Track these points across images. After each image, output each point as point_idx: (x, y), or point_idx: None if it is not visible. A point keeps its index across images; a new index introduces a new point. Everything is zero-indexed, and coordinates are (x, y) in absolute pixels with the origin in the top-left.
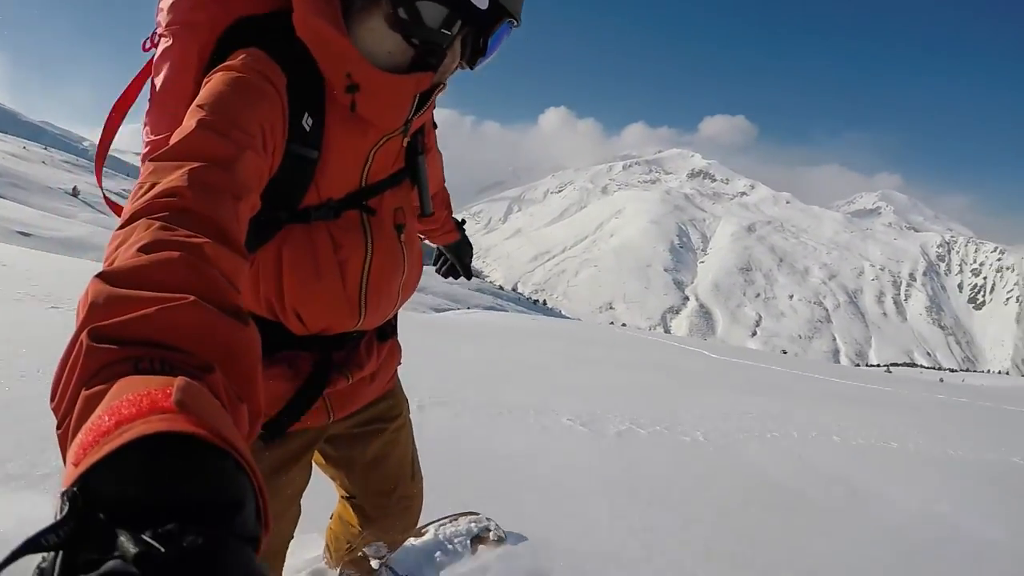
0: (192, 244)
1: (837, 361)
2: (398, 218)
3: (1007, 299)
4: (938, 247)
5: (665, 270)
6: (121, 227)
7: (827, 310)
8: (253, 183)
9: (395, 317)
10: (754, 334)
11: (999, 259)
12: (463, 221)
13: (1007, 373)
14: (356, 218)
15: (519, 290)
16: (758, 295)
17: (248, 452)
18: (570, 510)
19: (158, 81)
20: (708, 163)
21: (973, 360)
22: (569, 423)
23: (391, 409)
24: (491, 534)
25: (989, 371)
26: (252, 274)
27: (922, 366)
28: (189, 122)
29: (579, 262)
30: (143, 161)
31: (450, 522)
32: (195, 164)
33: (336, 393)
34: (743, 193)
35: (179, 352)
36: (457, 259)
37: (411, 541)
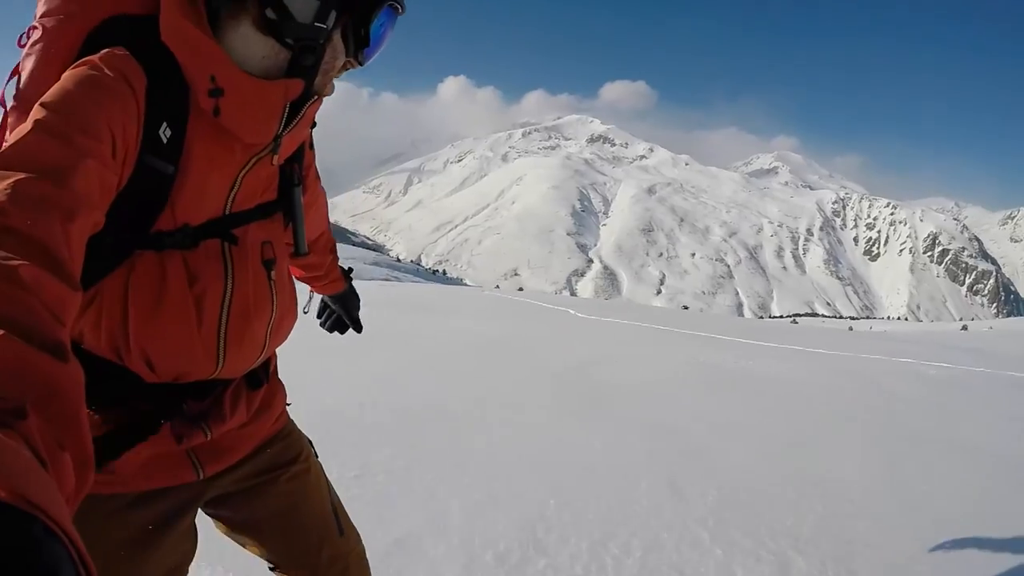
0: (7, 268)
1: (741, 314)
2: (267, 253)
3: (900, 250)
4: (833, 203)
5: (568, 234)
6: None
7: (729, 266)
8: (94, 197)
9: (272, 360)
10: (659, 292)
11: (892, 213)
12: (350, 270)
13: (905, 319)
14: (216, 248)
15: (422, 262)
16: (661, 255)
17: (63, 510)
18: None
19: (22, 77)
20: (607, 128)
21: (871, 308)
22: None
23: (285, 452)
24: None
25: (888, 317)
26: (95, 308)
27: (824, 315)
28: (27, 123)
29: (482, 231)
30: None
31: None
32: (23, 175)
33: (202, 447)
34: (643, 156)
35: None
36: (344, 311)
37: None
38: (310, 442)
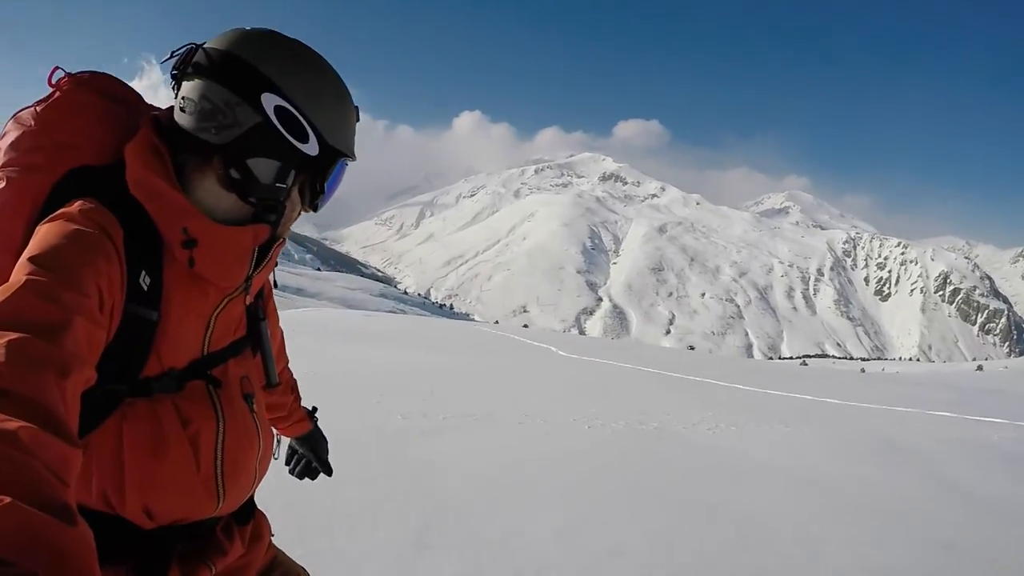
0: (8, 432)
1: (750, 355)
2: (246, 387)
3: (911, 290)
4: (844, 243)
5: (578, 272)
6: None
7: (739, 306)
8: (85, 354)
9: (252, 495)
10: (668, 332)
11: (903, 253)
12: (315, 409)
13: (917, 359)
14: (202, 388)
15: (431, 296)
16: (671, 294)
17: None
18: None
19: None
20: (619, 166)
21: (882, 348)
22: None
23: None
24: None
25: (900, 358)
26: (84, 464)
27: (834, 356)
28: (16, 278)
29: (492, 266)
30: None
31: None
32: (15, 335)
33: None
34: (654, 195)
35: (1, 565)
36: (313, 454)
37: None
38: (304, 570)
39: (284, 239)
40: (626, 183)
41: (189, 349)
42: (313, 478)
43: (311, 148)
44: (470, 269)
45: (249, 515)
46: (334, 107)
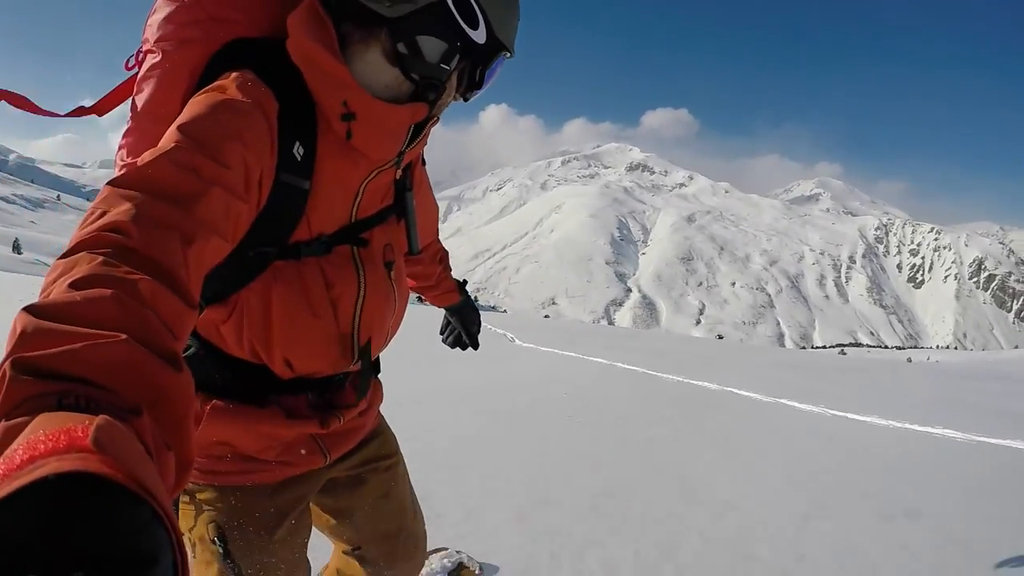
0: (129, 282)
1: (782, 344)
2: (387, 255)
3: (945, 277)
4: (876, 230)
5: (606, 263)
6: (63, 256)
7: (770, 295)
8: (218, 224)
9: (378, 356)
10: (698, 322)
11: (936, 239)
12: (464, 282)
13: (954, 347)
14: (348, 254)
15: None
16: (700, 284)
17: (168, 503)
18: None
19: (140, 100)
20: (646, 156)
21: (916, 337)
22: None
23: (382, 447)
24: (466, 570)
25: (937, 347)
26: (235, 318)
27: (868, 345)
28: (162, 144)
29: (520, 259)
30: None
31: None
32: (147, 197)
33: (329, 435)
34: (682, 184)
35: (106, 391)
36: (463, 327)
37: None
38: (394, 437)
39: (437, 118)
40: (653, 172)
41: (338, 216)
42: (464, 348)
43: (479, 36)
44: (498, 263)
45: (374, 373)
46: (505, 1)
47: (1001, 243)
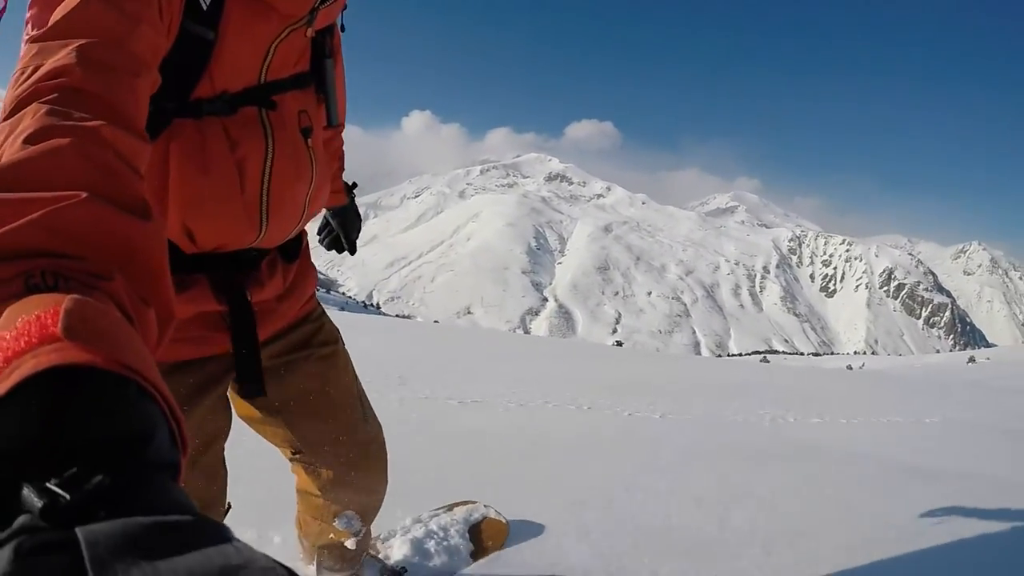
0: (85, 128)
1: (698, 353)
2: (303, 121)
3: (856, 286)
4: (789, 241)
5: (523, 272)
6: (4, 118)
7: (686, 305)
8: (150, 59)
9: (304, 237)
10: (614, 331)
11: (847, 250)
12: (354, 184)
13: (865, 353)
14: (254, 115)
15: (374, 298)
16: (617, 293)
17: (154, 369)
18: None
19: None
20: (566, 166)
21: (829, 344)
22: None
23: (316, 333)
24: (492, 521)
25: (847, 353)
26: None
27: (784, 352)
28: None
29: (436, 267)
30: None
31: (445, 511)
32: (84, 40)
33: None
34: (600, 195)
35: (73, 259)
36: (343, 231)
37: (401, 532)
38: (336, 330)
39: None
40: (572, 183)
41: (245, 74)
42: (339, 252)
43: None
44: (414, 271)
45: (295, 255)
46: None
47: (910, 254)
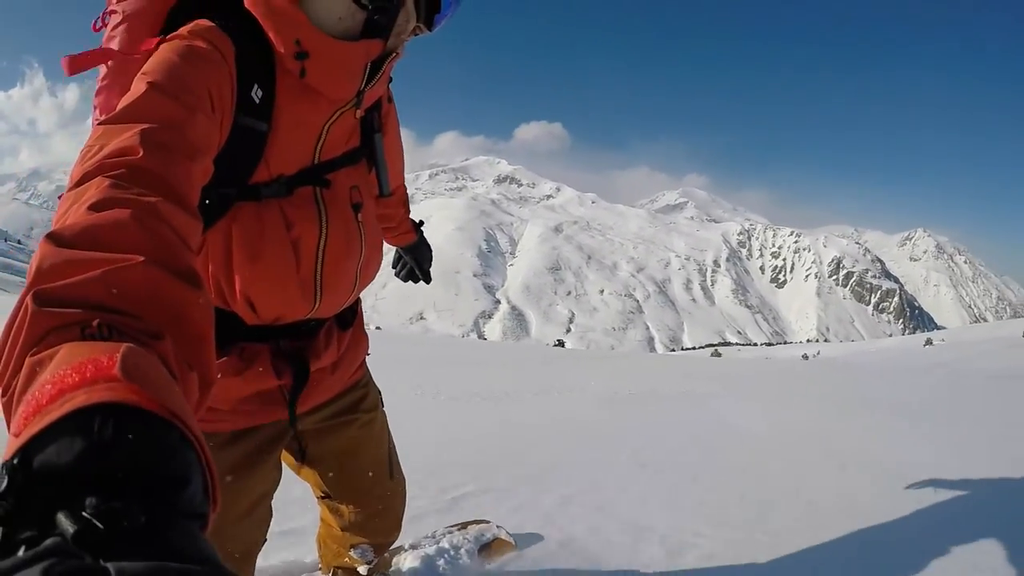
0: (144, 202)
1: (652, 349)
2: (354, 197)
3: (806, 276)
4: (739, 235)
5: (474, 275)
6: (71, 188)
7: (638, 301)
8: (204, 146)
9: (358, 304)
10: (568, 331)
11: (796, 241)
12: (421, 223)
13: (817, 340)
14: (309, 194)
15: None
16: (569, 293)
17: (196, 425)
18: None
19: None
20: (515, 168)
21: (782, 333)
22: None
23: (362, 401)
24: (501, 541)
25: (800, 341)
26: (201, 258)
27: (737, 344)
28: (137, 87)
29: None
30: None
31: (457, 530)
32: (146, 124)
33: (295, 387)
34: (549, 196)
35: (127, 316)
36: (416, 263)
37: (412, 550)
38: (379, 394)
39: (399, 53)
40: (521, 185)
41: (300, 158)
42: (416, 282)
43: None
44: None
45: (349, 323)
46: None
47: (857, 243)
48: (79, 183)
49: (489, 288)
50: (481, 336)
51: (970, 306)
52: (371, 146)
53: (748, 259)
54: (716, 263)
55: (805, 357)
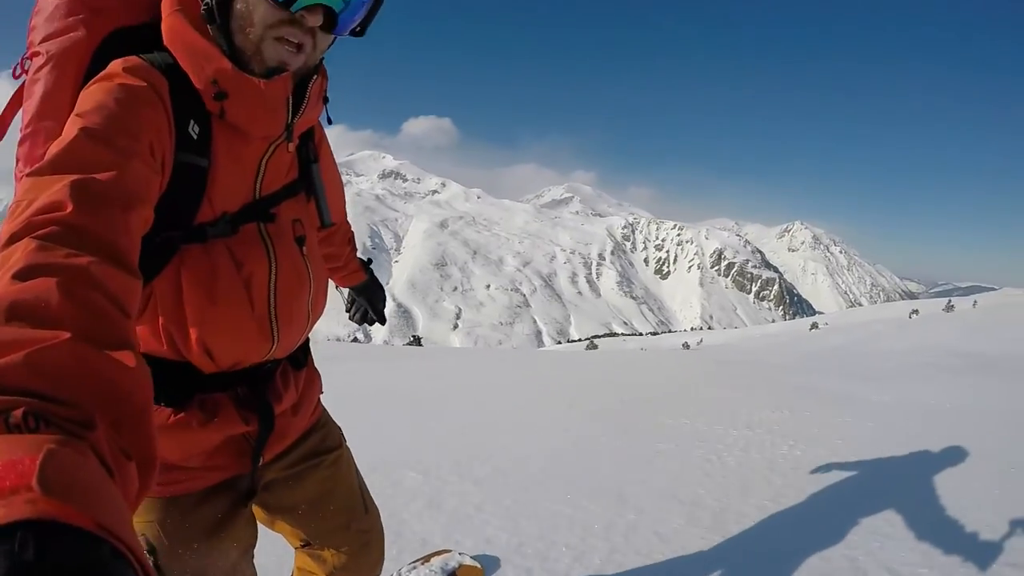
0: (74, 266)
1: (541, 342)
2: (297, 230)
3: (689, 267)
4: (623, 229)
5: None
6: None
7: (525, 295)
8: (144, 193)
9: (307, 342)
10: (456, 327)
11: (679, 234)
12: (370, 260)
13: (701, 328)
14: (255, 231)
15: None
16: (455, 288)
17: (130, 529)
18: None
19: (31, 105)
20: (400, 163)
21: (667, 322)
22: None
23: (324, 440)
24: (467, 567)
25: (684, 330)
26: (149, 308)
27: (623, 334)
28: (68, 132)
29: None
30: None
31: (422, 563)
32: (77, 175)
33: (259, 435)
34: (435, 191)
35: (55, 403)
36: (369, 304)
37: None
38: (341, 432)
39: (324, 75)
40: (406, 180)
41: (241, 194)
42: (371, 324)
43: None
44: None
45: (302, 363)
46: None
47: (738, 235)
48: (6, 244)
49: None
50: (368, 336)
51: (846, 292)
52: (309, 177)
53: (632, 252)
54: (601, 256)
55: (686, 346)
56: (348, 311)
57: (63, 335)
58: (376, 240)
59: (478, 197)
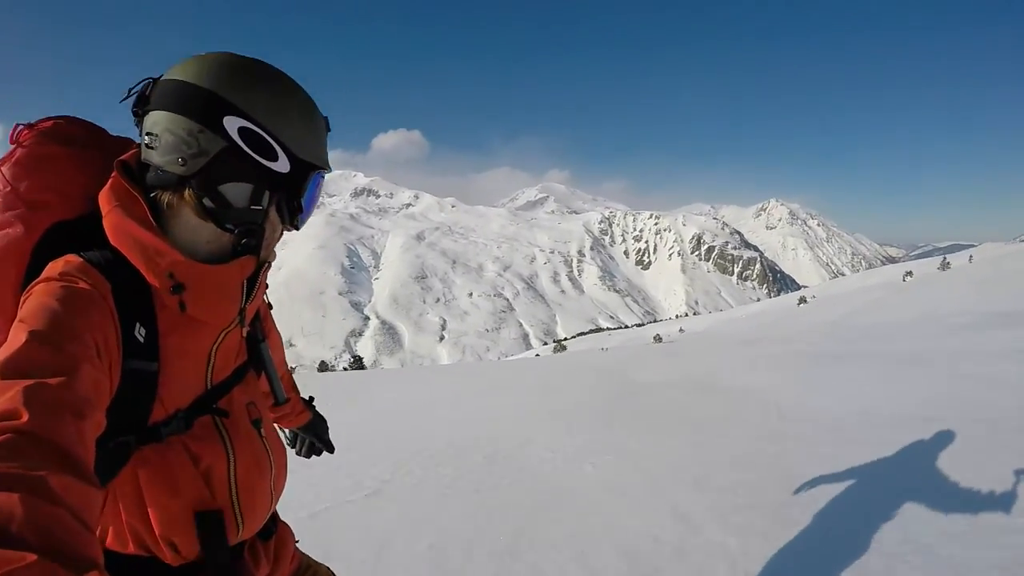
0: (34, 478)
1: (528, 345)
2: (252, 413)
3: (670, 255)
4: (600, 223)
5: (340, 294)
6: None
7: (508, 300)
8: (95, 399)
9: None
10: (442, 338)
11: (656, 223)
12: (311, 399)
13: (687, 315)
14: (209, 423)
15: None
16: (438, 300)
17: None
18: None
19: None
20: (371, 180)
21: (653, 312)
22: None
23: None
24: None
25: (670, 318)
26: (113, 510)
27: (609, 328)
28: (16, 337)
29: None
30: None
31: None
32: (29, 381)
33: None
34: (409, 204)
35: None
36: (315, 436)
37: None
38: (329, 570)
39: (270, 261)
40: (379, 196)
41: (192, 388)
42: (319, 455)
43: (281, 165)
44: None
45: (271, 531)
46: (300, 121)
47: (715, 219)
48: None
49: (356, 305)
50: (354, 355)
51: (827, 264)
52: (259, 357)
53: (612, 246)
54: (581, 253)
55: (657, 339)
56: (292, 446)
57: (29, 557)
58: (354, 259)
59: (452, 206)
